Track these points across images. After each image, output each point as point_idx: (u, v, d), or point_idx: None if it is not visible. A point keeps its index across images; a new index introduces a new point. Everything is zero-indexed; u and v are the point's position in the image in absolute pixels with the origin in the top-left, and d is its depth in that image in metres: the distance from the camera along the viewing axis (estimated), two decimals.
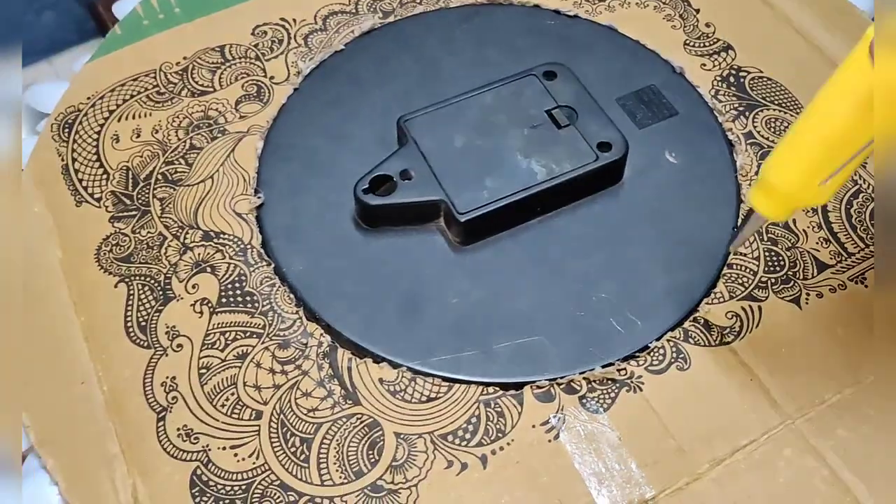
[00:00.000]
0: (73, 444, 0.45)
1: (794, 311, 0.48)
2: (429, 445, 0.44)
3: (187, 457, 0.44)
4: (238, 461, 0.44)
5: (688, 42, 0.61)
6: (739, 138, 0.55)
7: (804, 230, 0.51)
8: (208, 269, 0.50)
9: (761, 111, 0.57)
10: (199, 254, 0.51)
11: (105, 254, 0.51)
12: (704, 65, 0.59)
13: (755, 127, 0.56)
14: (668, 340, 0.47)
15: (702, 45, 0.61)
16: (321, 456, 0.44)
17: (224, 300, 0.49)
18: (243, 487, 0.43)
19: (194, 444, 0.44)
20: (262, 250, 0.51)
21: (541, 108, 0.54)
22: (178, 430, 0.45)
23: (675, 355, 0.47)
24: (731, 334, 0.47)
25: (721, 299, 0.49)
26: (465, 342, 0.47)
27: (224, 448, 0.44)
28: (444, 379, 0.46)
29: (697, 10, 0.62)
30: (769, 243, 0.51)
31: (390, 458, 0.44)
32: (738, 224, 0.49)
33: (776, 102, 0.57)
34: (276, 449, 0.44)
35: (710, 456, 0.43)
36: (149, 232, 0.52)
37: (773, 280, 0.49)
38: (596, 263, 0.50)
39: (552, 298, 0.49)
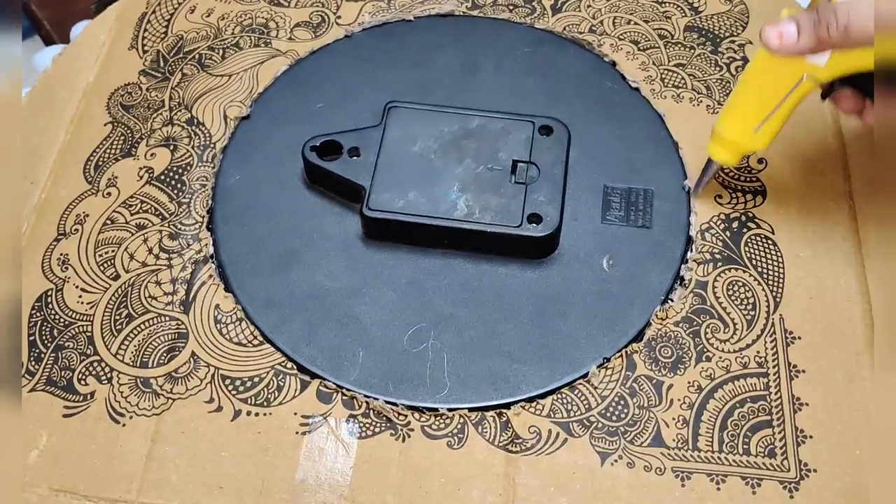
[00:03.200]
0: None
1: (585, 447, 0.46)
2: (208, 377, 0.49)
3: (54, 279, 0.52)
4: (78, 303, 0.51)
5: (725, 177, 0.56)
6: (691, 281, 0.52)
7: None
8: (171, 147, 0.57)
9: (724, 272, 0.52)
10: (175, 131, 0.58)
11: (116, 97, 0.59)
12: (720, 196, 0.55)
13: (714, 281, 0.52)
14: (460, 416, 0.47)
15: (736, 178, 0.56)
16: (129, 335, 0.50)
17: (162, 176, 0.56)
18: (65, 323, 0.50)
19: (63, 272, 0.52)
20: (219, 153, 0.57)
21: (511, 155, 0.53)
22: (60, 255, 0.53)
23: (457, 429, 0.47)
24: (518, 446, 0.46)
25: (540, 412, 0.48)
26: (304, 315, 0.50)
27: (77, 287, 0.52)
28: (263, 335, 0.50)
29: None
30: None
31: (173, 368, 0.49)
32: (701, 173, 0.54)
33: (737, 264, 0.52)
34: (105, 310, 0.51)
35: None
36: (156, 95, 0.59)
37: (595, 426, 0.47)
38: (457, 315, 0.50)
39: (399, 322, 0.50)
